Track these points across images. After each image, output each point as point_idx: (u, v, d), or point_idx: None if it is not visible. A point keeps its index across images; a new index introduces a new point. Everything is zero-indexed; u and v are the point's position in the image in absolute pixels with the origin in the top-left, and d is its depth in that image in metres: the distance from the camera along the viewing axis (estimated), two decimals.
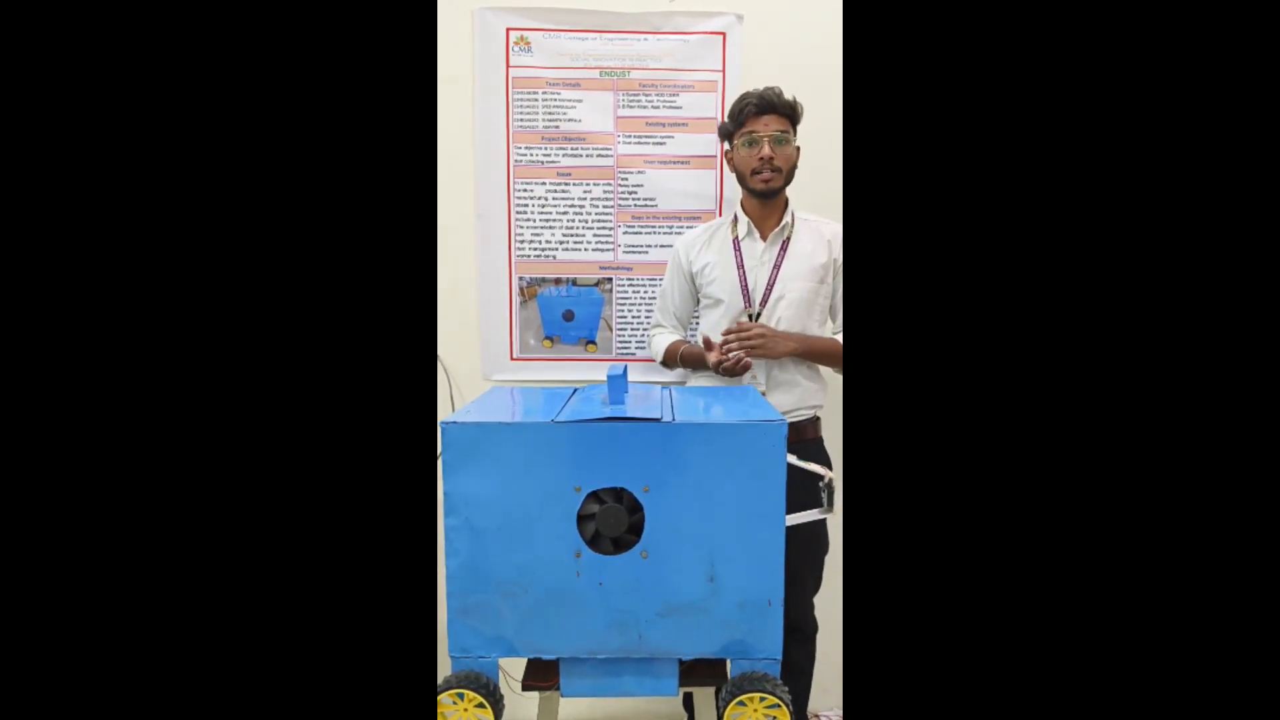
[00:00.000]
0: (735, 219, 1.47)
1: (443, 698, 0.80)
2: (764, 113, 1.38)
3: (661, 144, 1.68)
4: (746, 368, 1.35)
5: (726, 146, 1.47)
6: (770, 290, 1.42)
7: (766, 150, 1.37)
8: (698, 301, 1.52)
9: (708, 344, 1.39)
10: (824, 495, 0.91)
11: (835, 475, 0.90)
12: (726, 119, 1.44)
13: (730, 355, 1.34)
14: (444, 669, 0.84)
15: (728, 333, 1.37)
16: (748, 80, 1.65)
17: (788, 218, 1.45)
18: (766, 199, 1.42)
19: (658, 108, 1.67)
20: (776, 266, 1.43)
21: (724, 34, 1.65)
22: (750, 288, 1.43)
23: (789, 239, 1.44)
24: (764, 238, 1.45)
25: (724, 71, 1.67)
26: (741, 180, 1.44)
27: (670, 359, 1.51)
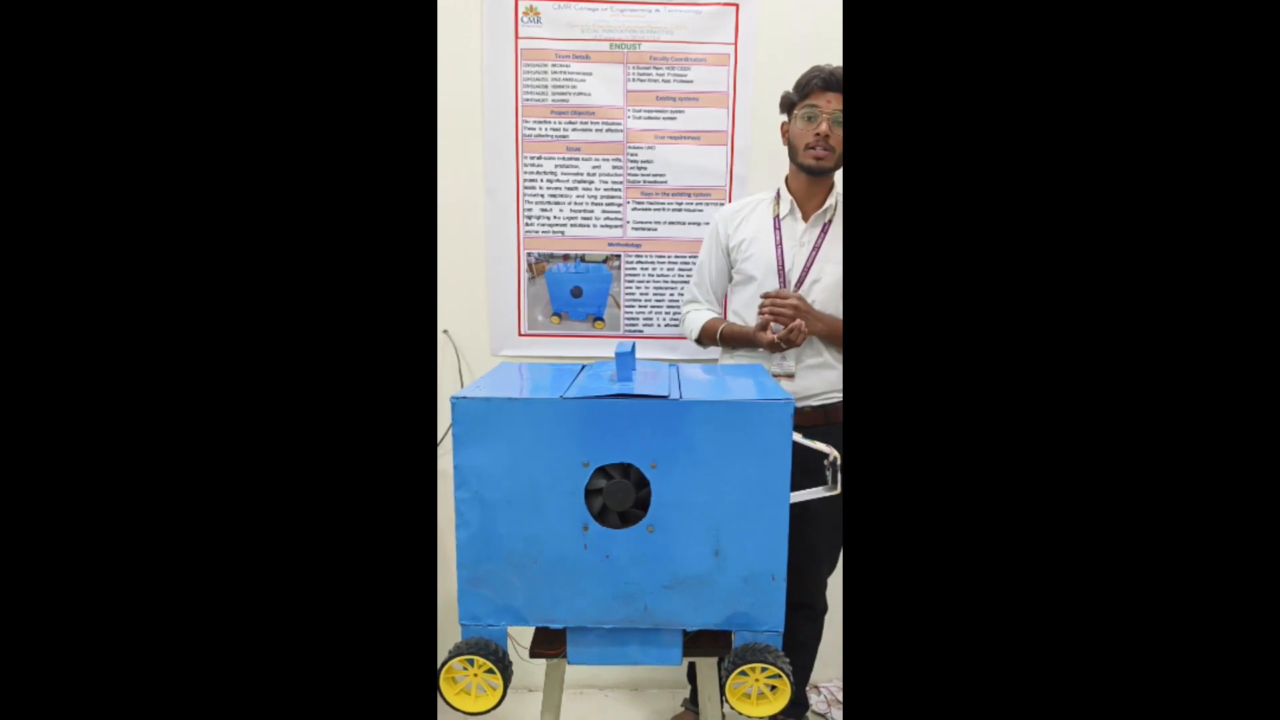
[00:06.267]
0: (778, 196, 1.44)
1: (453, 663, 0.83)
2: (830, 90, 1.34)
3: (672, 119, 1.66)
4: (802, 336, 1.32)
5: (785, 118, 1.42)
6: (807, 272, 1.40)
7: (824, 127, 1.34)
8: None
9: (760, 327, 1.36)
10: (829, 473, 0.92)
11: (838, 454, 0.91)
12: (791, 89, 1.39)
13: (790, 327, 1.30)
14: (447, 640, 0.86)
15: (765, 296, 1.35)
16: (760, 53, 1.64)
17: (832, 200, 1.42)
18: (815, 176, 1.39)
19: (668, 81, 1.65)
20: (816, 248, 1.40)
21: (737, 5, 1.63)
22: (787, 268, 1.41)
23: (830, 221, 1.41)
24: (806, 218, 1.42)
25: (736, 45, 1.64)
26: (793, 154, 1.40)
27: (707, 336, 1.47)
